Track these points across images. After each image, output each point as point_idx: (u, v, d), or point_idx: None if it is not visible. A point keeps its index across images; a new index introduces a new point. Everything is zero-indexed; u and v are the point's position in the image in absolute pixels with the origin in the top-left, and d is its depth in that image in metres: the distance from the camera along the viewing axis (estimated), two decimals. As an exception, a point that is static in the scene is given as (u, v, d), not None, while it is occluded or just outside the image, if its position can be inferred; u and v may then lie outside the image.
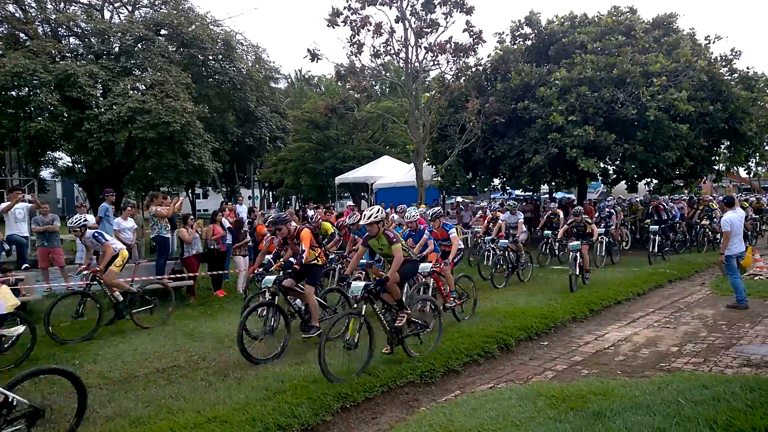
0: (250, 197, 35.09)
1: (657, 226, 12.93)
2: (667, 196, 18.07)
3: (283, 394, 4.60)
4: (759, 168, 18.80)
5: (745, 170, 19.55)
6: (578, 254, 9.42)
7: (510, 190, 20.31)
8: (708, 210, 14.96)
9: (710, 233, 14.81)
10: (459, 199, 22.98)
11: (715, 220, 14.67)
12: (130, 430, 4.00)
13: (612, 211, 13.56)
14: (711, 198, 16.09)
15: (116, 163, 18.78)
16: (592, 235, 10.08)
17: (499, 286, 9.98)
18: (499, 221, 11.08)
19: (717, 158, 17.46)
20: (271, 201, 44.73)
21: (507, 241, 10.52)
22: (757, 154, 17.28)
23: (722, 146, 17.20)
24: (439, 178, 17.96)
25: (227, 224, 10.62)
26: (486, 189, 19.46)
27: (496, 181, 18.94)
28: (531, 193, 20.10)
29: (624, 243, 14.99)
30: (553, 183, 19.23)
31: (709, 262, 12.74)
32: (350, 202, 22.02)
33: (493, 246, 10.87)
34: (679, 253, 14.29)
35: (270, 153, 26.44)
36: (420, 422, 4.22)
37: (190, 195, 33.64)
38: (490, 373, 5.76)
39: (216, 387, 5.00)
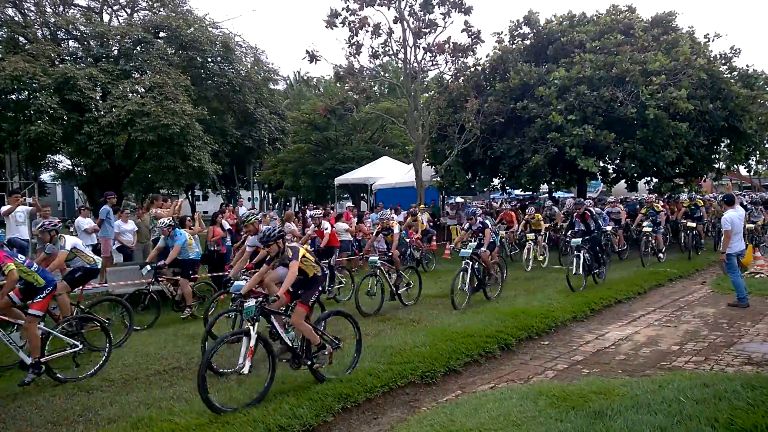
0: (249, 199, 35.11)
1: (579, 239, 9.51)
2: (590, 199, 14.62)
3: (284, 395, 4.60)
4: (759, 166, 18.73)
5: (745, 168, 19.53)
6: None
7: (509, 190, 20.32)
8: (652, 213, 12.61)
9: (653, 242, 12.40)
10: (459, 199, 22.99)
11: (662, 225, 12.70)
12: (132, 431, 4.01)
13: (484, 223, 9.28)
14: (654, 198, 13.58)
15: (116, 165, 18.82)
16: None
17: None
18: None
19: (717, 156, 17.45)
20: (270, 202, 44.76)
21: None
22: (758, 152, 17.28)
23: (722, 144, 17.19)
24: (439, 179, 17.96)
25: (227, 226, 10.62)
26: (486, 189, 19.47)
27: (496, 181, 18.94)
28: (532, 192, 20.07)
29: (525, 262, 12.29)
30: (552, 182, 19.24)
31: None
32: (349, 203, 22.03)
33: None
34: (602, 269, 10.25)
35: (269, 154, 26.50)
36: (421, 422, 4.22)
37: (190, 197, 33.69)
38: (490, 372, 5.76)
39: (217, 389, 5.00)
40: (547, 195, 21.68)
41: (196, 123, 16.86)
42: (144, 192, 25.25)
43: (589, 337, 6.90)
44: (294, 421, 4.20)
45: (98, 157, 16.96)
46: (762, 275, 10.26)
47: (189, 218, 10.20)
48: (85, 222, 10.04)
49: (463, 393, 5.12)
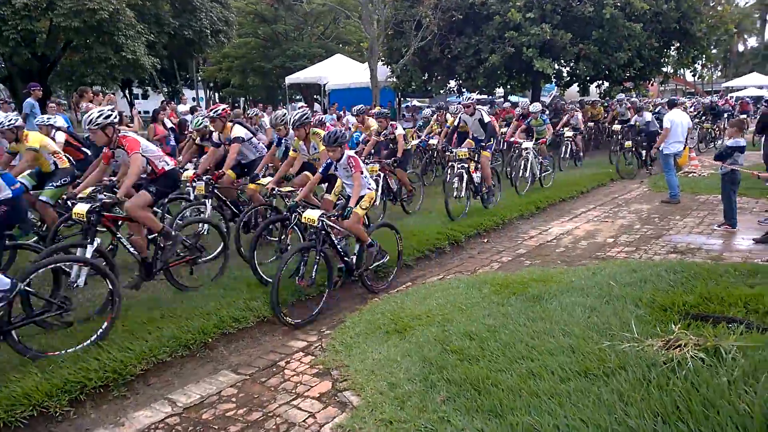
0: (194, 99, 33.05)
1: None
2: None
3: (238, 291, 4.68)
4: (704, 70, 19.24)
5: (691, 72, 20.00)
6: None
7: (466, 93, 20.02)
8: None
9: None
10: (416, 102, 22.53)
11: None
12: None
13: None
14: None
15: (39, 56, 16.98)
16: None
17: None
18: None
19: (666, 60, 17.69)
20: (216, 103, 42.38)
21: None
22: (704, 56, 17.60)
23: (672, 48, 17.36)
24: (395, 79, 17.39)
25: (170, 124, 10.02)
26: (442, 90, 19.08)
27: (452, 83, 18.54)
28: (487, 95, 19.85)
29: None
30: (508, 86, 19.06)
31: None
32: (302, 104, 21.16)
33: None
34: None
35: (212, 48, 24.55)
36: (373, 310, 4.44)
37: (128, 95, 31.27)
38: (440, 266, 6.04)
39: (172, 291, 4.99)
40: (502, 99, 21.59)
41: (127, 9, 15.18)
42: (75, 86, 23.20)
43: (533, 233, 7.29)
44: (248, 313, 4.32)
45: (16, 45, 15.15)
46: (694, 174, 10.98)
47: (126, 115, 9.52)
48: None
49: (413, 284, 5.37)
